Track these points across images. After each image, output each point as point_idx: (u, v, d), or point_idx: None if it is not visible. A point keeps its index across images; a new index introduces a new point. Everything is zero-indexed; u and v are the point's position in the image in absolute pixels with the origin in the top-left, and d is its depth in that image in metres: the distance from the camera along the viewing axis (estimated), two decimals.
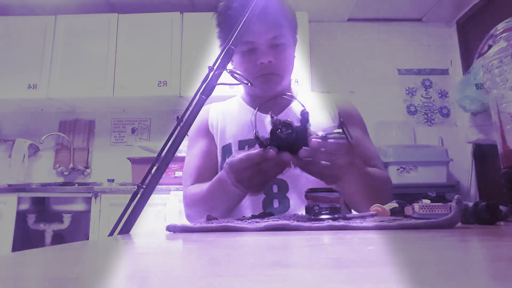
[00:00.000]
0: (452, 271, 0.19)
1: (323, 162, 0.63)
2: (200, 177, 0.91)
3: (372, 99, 2.93)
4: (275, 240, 0.36)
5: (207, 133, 0.97)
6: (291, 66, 0.93)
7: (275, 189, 0.85)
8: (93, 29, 2.76)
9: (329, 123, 0.93)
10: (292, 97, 0.94)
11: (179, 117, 0.74)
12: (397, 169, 2.43)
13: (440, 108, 2.96)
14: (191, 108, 0.61)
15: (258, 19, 0.82)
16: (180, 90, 2.64)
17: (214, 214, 0.80)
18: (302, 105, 0.67)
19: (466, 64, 2.84)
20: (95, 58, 2.71)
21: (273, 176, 0.67)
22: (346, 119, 0.95)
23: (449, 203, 0.45)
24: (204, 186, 0.83)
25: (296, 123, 0.64)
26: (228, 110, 0.99)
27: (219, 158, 0.94)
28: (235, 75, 0.76)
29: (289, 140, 0.62)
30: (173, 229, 0.49)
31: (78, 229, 2.58)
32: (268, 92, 0.91)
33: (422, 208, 0.47)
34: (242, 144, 0.90)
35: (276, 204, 0.85)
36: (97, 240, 0.46)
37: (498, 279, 0.17)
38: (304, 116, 0.64)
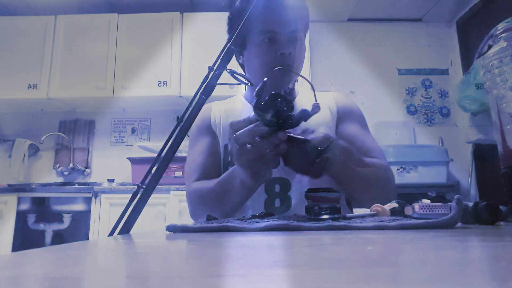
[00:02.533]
0: (452, 271, 0.19)
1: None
2: (204, 174, 0.89)
3: (372, 99, 2.93)
4: (275, 240, 0.36)
5: (210, 131, 0.96)
6: (302, 65, 0.91)
7: (277, 188, 0.85)
8: (93, 29, 2.76)
9: (327, 118, 0.92)
10: (294, 73, 0.86)
11: (179, 117, 0.74)
12: (397, 169, 2.43)
13: (440, 108, 2.96)
14: (191, 108, 0.61)
15: (281, 9, 0.79)
16: (180, 90, 2.64)
17: (221, 210, 0.79)
18: (312, 86, 0.67)
19: (466, 64, 2.84)
20: (95, 58, 2.71)
21: (269, 154, 0.62)
22: (346, 115, 0.95)
23: (449, 203, 0.45)
24: (212, 182, 0.82)
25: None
26: (231, 108, 0.99)
27: (222, 156, 0.93)
28: (235, 75, 0.75)
29: (280, 111, 0.60)
30: (173, 229, 0.49)
31: (78, 229, 2.58)
32: (281, 86, 0.89)
33: (422, 208, 0.47)
34: None
35: (277, 203, 0.84)
36: (97, 240, 0.46)
37: (498, 279, 0.17)
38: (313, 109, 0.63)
